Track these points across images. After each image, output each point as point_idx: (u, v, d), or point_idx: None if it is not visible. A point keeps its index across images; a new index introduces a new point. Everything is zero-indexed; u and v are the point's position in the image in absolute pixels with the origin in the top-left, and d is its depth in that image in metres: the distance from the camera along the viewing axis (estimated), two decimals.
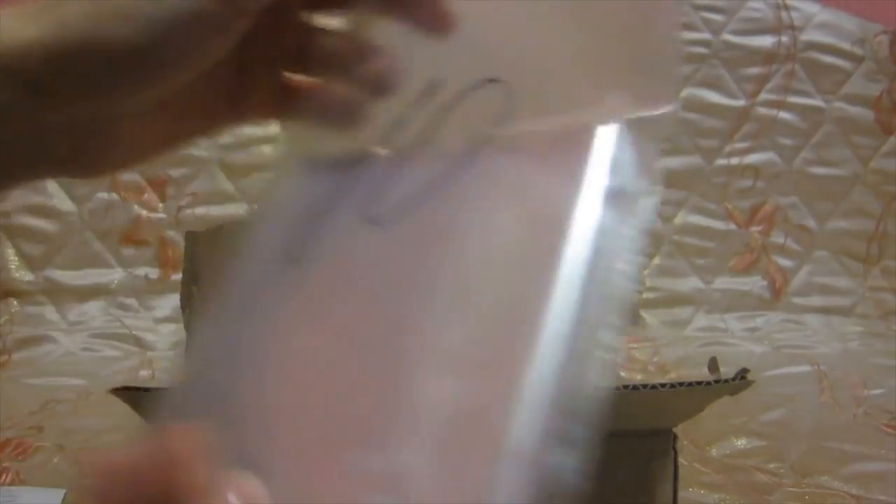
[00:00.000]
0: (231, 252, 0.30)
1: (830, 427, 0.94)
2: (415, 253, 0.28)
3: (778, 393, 1.01)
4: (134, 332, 1.18)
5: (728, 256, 1.30)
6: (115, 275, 1.23)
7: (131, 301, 1.22)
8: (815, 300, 1.28)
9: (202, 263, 0.71)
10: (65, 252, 1.22)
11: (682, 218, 1.30)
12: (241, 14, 0.29)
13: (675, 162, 1.30)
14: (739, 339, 1.22)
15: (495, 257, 0.27)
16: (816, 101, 1.31)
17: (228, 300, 0.30)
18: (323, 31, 0.32)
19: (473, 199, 0.29)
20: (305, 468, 0.23)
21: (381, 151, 0.32)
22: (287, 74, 0.33)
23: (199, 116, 0.32)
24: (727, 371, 0.56)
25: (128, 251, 1.23)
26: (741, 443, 0.90)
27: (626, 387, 0.59)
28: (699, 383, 0.55)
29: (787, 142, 1.31)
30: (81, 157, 0.30)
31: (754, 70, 1.31)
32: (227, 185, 1.25)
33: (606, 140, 0.28)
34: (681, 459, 0.63)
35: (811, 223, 1.31)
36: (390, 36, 0.31)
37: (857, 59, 1.31)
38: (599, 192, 0.27)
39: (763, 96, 1.31)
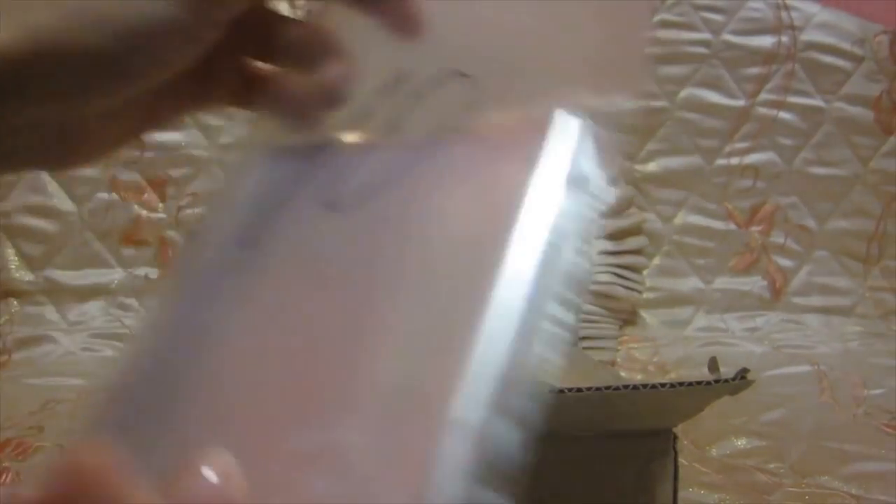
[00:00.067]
0: (189, 238, 0.31)
1: (830, 427, 0.94)
2: (372, 238, 0.29)
3: (778, 393, 1.01)
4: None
5: (728, 256, 1.29)
6: (115, 275, 1.23)
7: (131, 301, 1.22)
8: (815, 300, 1.28)
9: None
10: (65, 252, 1.22)
11: (682, 218, 1.30)
12: (214, 25, 0.29)
13: (675, 162, 1.30)
14: (739, 339, 1.22)
15: (451, 241, 0.27)
16: (816, 101, 1.31)
17: (182, 284, 0.30)
18: (289, 21, 0.32)
19: (432, 185, 0.29)
20: (247, 449, 0.23)
21: (345, 139, 0.32)
22: (251, 62, 0.33)
23: (166, 108, 0.33)
24: (727, 371, 0.56)
25: (128, 251, 1.23)
26: (741, 443, 0.90)
27: (626, 387, 0.59)
28: (699, 383, 0.55)
29: (787, 142, 1.31)
30: (49, 154, 0.31)
31: (754, 70, 1.31)
32: None
33: (566, 129, 0.28)
34: (681, 459, 0.63)
35: (811, 223, 1.31)
36: (358, 29, 0.31)
37: (857, 59, 1.31)
38: (556, 178, 0.27)
39: (763, 96, 1.31)
